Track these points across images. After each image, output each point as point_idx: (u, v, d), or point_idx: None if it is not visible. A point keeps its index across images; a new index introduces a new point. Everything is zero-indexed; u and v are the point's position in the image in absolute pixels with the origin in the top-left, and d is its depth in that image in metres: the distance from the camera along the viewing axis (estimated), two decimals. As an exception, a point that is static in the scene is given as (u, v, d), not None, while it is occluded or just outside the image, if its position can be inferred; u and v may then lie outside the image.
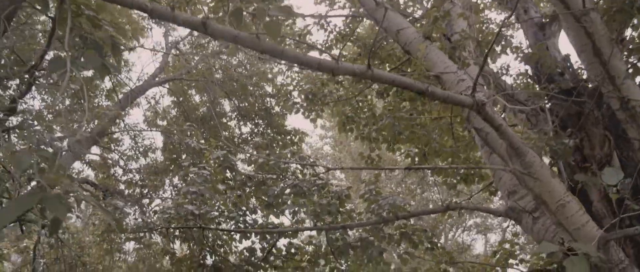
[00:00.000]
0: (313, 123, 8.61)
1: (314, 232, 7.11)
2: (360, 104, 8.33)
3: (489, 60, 5.68)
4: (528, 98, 5.72)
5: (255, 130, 12.46)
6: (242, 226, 6.62)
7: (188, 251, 7.78)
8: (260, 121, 12.36)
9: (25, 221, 9.06)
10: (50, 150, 3.51)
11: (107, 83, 12.29)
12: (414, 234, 6.14)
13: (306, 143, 19.27)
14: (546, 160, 4.89)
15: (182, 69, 12.45)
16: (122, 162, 11.26)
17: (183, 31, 15.08)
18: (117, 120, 10.99)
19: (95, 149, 11.89)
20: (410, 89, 3.38)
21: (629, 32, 5.07)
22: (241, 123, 12.69)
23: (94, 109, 11.00)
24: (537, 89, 5.70)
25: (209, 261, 7.30)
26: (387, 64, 7.82)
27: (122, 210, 7.36)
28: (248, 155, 7.46)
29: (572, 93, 5.00)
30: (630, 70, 4.72)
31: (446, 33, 5.86)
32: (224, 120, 12.69)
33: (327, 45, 8.45)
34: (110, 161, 11.32)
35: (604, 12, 4.79)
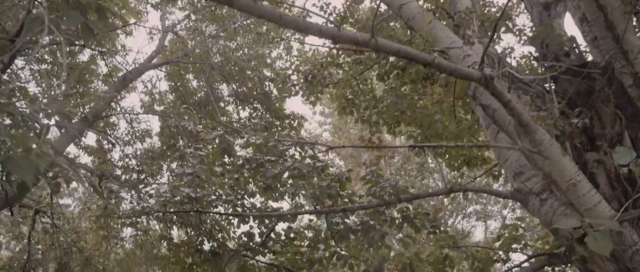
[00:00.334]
0: (313, 106, 8.43)
1: (313, 218, 6.95)
2: (361, 86, 8.14)
3: (493, 40, 5.49)
4: (532, 80, 5.56)
5: (254, 114, 12.28)
6: (239, 210, 6.46)
7: (186, 238, 7.65)
8: (259, 106, 12.17)
9: (20, 206, 8.91)
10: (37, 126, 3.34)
11: (103, 68, 12.11)
12: (416, 217, 5.98)
13: (305, 129, 19.11)
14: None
15: (179, 52, 12.22)
16: (118, 147, 11.07)
17: (180, 14, 14.86)
18: (113, 104, 10.78)
19: (90, 135, 11.73)
20: (415, 60, 3.19)
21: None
22: (239, 108, 12.51)
23: (90, 93, 10.82)
24: (545, 67, 5.52)
25: (207, 246, 7.16)
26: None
27: (118, 194, 7.20)
28: (246, 137, 7.28)
29: (582, 71, 4.81)
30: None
31: (449, 12, 5.68)
32: (222, 104, 12.49)
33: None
34: (106, 146, 11.13)
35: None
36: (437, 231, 6.18)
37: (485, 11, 6.83)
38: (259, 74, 12.17)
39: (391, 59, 7.78)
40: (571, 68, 5.02)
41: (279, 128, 11.46)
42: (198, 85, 13.17)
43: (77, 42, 9.92)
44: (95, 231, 10.32)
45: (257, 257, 7.01)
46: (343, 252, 6.56)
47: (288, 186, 6.17)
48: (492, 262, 6.24)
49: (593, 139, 4.89)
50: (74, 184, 18.14)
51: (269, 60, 12.84)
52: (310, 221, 6.84)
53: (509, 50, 5.99)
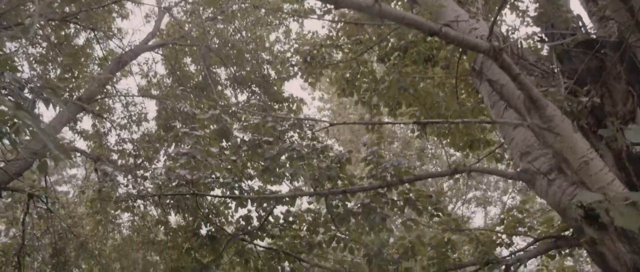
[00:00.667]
0: (312, 87, 8.22)
1: (313, 201, 6.79)
2: (361, 68, 7.94)
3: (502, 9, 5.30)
4: (538, 60, 5.39)
5: (252, 97, 12.07)
6: (237, 192, 6.29)
7: (183, 223, 7.50)
8: (257, 89, 11.96)
9: (13, 190, 8.75)
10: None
11: (99, 51, 11.88)
12: (418, 200, 5.82)
13: (304, 114, 18.89)
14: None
15: (176, 34, 11.98)
16: (114, 131, 10.88)
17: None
18: (108, 86, 10.58)
19: (86, 120, 11.54)
20: (421, 29, 3.01)
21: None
22: (237, 91, 12.30)
23: (85, 76, 10.61)
24: (551, 46, 5.35)
25: (204, 230, 7.01)
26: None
27: (113, 177, 7.03)
28: (244, 118, 7.09)
29: (593, 46, 4.62)
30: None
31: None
32: (220, 88, 12.27)
33: (325, 8, 8.01)
34: (102, 130, 10.94)
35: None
36: (440, 214, 6.03)
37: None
38: (258, 57, 11.94)
39: (392, 40, 7.58)
40: (581, 43, 4.84)
41: (278, 111, 11.27)
42: (196, 69, 12.95)
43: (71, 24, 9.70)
44: (92, 216, 10.17)
45: (255, 241, 6.86)
46: (343, 236, 6.40)
47: (287, 167, 6.00)
48: (495, 246, 6.10)
49: (600, 120, 4.72)
50: (73, 170, 17.92)
51: (267, 44, 12.62)
52: (310, 203, 6.67)
53: (514, 29, 5.82)
